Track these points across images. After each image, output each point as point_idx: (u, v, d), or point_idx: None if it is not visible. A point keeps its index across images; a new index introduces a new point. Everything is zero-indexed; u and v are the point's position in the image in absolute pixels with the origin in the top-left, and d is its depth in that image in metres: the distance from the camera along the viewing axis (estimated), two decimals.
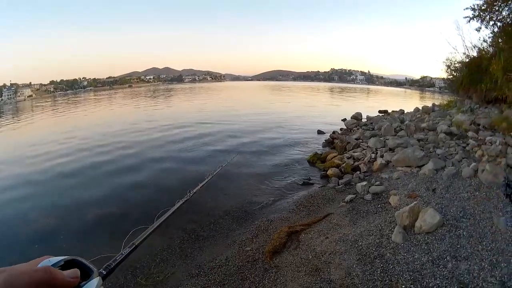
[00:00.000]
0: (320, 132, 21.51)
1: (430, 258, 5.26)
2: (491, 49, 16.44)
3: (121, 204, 10.53)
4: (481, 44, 17.26)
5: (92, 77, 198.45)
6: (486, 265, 4.82)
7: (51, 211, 10.30)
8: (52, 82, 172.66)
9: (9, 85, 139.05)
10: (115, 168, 14.48)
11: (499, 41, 15.68)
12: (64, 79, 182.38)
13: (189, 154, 16.52)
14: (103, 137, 22.11)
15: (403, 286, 4.77)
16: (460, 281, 4.64)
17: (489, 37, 16.99)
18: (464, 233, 5.77)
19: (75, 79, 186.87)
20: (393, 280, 4.97)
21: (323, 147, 17.36)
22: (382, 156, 11.65)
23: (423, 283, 4.76)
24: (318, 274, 5.60)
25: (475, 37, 40.13)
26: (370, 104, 47.38)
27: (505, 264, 4.76)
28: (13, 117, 47.93)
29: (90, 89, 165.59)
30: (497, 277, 4.54)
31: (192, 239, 8.08)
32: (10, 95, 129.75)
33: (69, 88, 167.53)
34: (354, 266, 5.54)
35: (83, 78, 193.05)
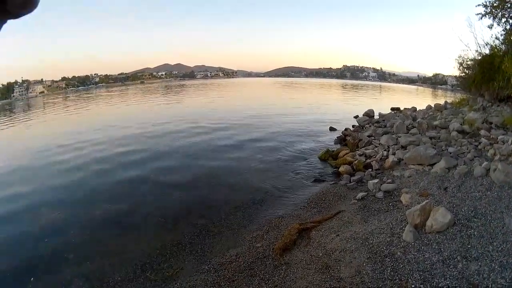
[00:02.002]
0: (332, 129, 21.50)
1: (441, 258, 5.23)
2: (503, 47, 16.29)
3: (128, 201, 10.61)
4: (493, 42, 17.11)
5: (104, 73, 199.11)
6: (497, 267, 4.78)
7: (59, 205, 10.47)
8: (64, 79, 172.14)
9: (20, 81, 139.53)
10: (121, 165, 14.59)
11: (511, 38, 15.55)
12: (76, 76, 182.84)
13: (196, 150, 16.74)
14: (105, 135, 21.95)
15: (413, 286, 4.76)
16: (470, 282, 4.61)
17: (501, 35, 16.86)
18: (475, 233, 5.73)
19: (87, 76, 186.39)
20: (403, 279, 4.96)
21: (335, 144, 17.37)
22: (394, 154, 11.61)
23: (433, 283, 4.74)
24: (328, 271, 5.62)
25: (487, 34, 39.69)
26: (383, 101, 47.06)
27: None
28: (23, 114, 48.12)
29: (102, 85, 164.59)
30: (507, 279, 4.50)
31: (203, 235, 8.14)
32: (22, 91, 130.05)
33: (81, 85, 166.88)
34: (364, 264, 5.55)
35: (95, 74, 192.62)
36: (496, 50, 16.51)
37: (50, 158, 16.60)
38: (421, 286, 4.73)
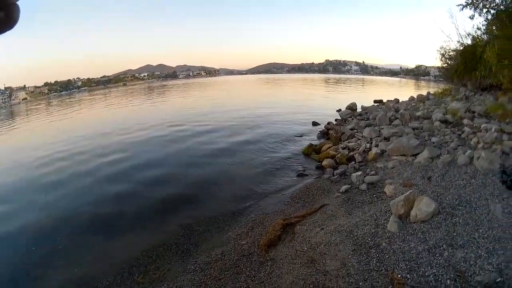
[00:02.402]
0: (315, 123, 21.49)
1: (426, 246, 5.22)
2: (485, 37, 16.38)
3: (114, 205, 10.53)
4: (475, 32, 17.20)
5: (86, 77, 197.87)
6: (483, 253, 4.77)
7: (46, 213, 10.32)
8: (46, 84, 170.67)
9: (3, 88, 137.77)
10: (105, 171, 14.35)
11: (493, 28, 15.63)
12: (58, 80, 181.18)
13: (181, 152, 16.66)
14: (87, 142, 21.35)
15: (399, 276, 4.72)
16: (456, 270, 4.58)
17: (483, 25, 16.94)
18: (460, 220, 5.72)
19: (69, 80, 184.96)
20: (389, 269, 4.93)
21: (318, 138, 17.43)
22: (377, 146, 11.65)
23: (419, 272, 4.72)
24: (314, 265, 5.58)
25: (469, 25, 40.25)
26: (365, 94, 47.00)
27: (502, 252, 4.71)
28: (7, 123, 47.20)
29: (85, 89, 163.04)
30: (494, 265, 4.49)
31: (188, 235, 8.12)
32: (5, 99, 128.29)
33: (64, 89, 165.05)
34: (350, 256, 5.51)
35: (77, 78, 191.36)
36: (478, 40, 16.60)
37: (35, 166, 16.35)
38: (408, 275, 4.70)
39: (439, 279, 4.52)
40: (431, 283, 4.50)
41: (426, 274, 4.66)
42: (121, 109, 44.92)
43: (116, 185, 12.37)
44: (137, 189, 11.73)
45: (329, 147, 13.73)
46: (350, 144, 13.21)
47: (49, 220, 9.81)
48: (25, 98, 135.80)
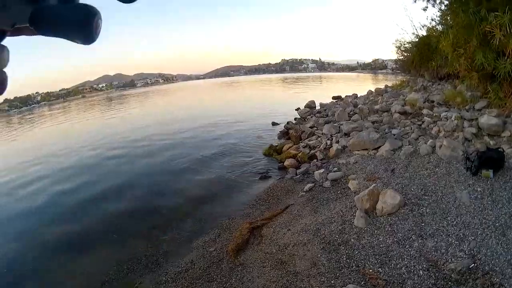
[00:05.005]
0: (274, 123, 21.27)
1: (395, 239, 5.22)
2: (440, 27, 16.66)
3: (78, 223, 10.08)
4: (430, 23, 17.49)
5: (45, 91, 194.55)
6: (453, 240, 4.82)
7: (10, 240, 9.70)
8: (6, 100, 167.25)
9: None
10: (66, 190, 13.62)
11: (447, 18, 15.91)
12: (18, 96, 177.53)
13: (141, 165, 16.26)
14: (49, 165, 20.98)
15: (370, 270, 4.69)
16: (428, 259, 4.59)
17: (437, 16, 17.23)
18: (427, 210, 5.77)
19: (29, 95, 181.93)
20: (360, 265, 4.90)
21: (278, 138, 17.18)
22: (337, 142, 11.62)
23: (391, 265, 4.71)
24: (284, 267, 5.52)
25: (423, 17, 41.41)
26: (324, 91, 46.60)
27: (473, 237, 4.77)
28: None
29: (44, 104, 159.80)
30: (466, 251, 4.54)
31: (156, 246, 7.90)
32: None
33: (23, 105, 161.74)
34: (319, 255, 5.46)
35: (36, 93, 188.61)
36: (432, 31, 16.87)
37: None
38: (380, 269, 4.69)
39: (412, 270, 4.52)
40: (404, 275, 4.49)
41: (398, 266, 4.66)
42: (81, 124, 43.26)
43: (78, 202, 11.84)
44: (99, 205, 11.28)
45: (290, 147, 13.59)
46: (311, 142, 13.14)
47: (16, 243, 9.32)
48: None
